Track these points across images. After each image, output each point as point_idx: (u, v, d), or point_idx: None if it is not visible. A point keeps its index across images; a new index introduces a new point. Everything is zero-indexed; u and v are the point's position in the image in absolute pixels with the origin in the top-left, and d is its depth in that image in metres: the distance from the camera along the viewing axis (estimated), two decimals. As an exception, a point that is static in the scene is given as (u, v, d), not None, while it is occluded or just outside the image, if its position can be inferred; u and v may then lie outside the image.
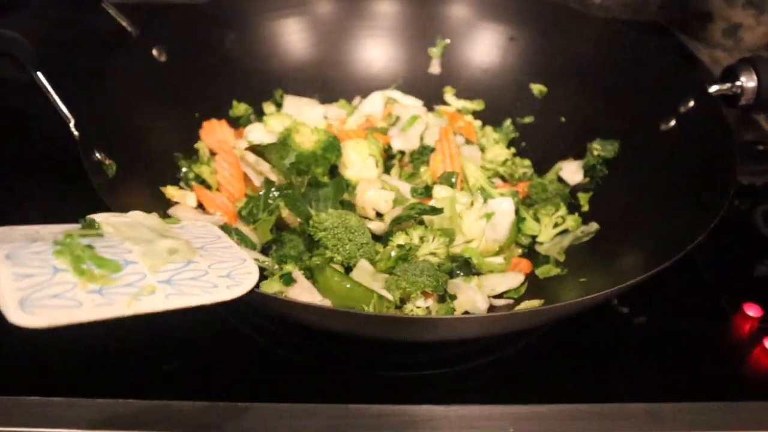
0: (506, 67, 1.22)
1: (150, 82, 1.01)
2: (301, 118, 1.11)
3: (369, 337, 0.80)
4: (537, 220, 1.00)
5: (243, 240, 0.88)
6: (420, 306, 0.83)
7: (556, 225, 0.99)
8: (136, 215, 0.66)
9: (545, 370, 0.84)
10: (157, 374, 0.80)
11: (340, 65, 1.25)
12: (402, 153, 1.08)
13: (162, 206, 0.94)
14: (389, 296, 0.81)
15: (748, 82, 0.97)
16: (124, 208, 0.68)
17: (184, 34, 1.09)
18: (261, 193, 0.93)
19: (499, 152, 1.11)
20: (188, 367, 0.81)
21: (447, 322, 0.72)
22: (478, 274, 0.91)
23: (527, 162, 1.13)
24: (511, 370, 0.84)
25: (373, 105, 1.18)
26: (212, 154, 1.05)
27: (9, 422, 0.72)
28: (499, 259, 0.93)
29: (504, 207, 0.95)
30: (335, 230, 0.84)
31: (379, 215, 0.96)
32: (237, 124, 1.13)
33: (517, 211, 0.96)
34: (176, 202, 0.96)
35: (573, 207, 1.03)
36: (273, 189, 0.93)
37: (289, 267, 0.83)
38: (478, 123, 1.20)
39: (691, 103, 0.97)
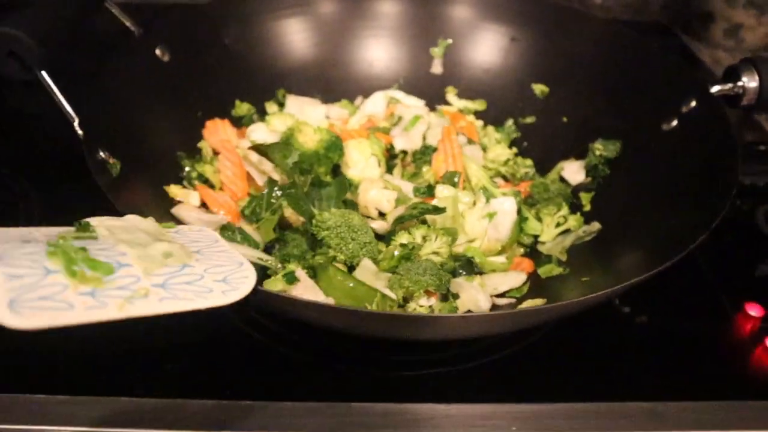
0: (508, 68, 1.22)
1: (153, 82, 1.01)
2: (304, 117, 1.11)
3: (371, 336, 0.80)
4: (539, 219, 1.00)
5: (246, 239, 0.88)
6: (423, 305, 0.83)
7: (558, 225, 1.00)
8: (131, 219, 0.66)
9: (547, 369, 0.84)
10: (160, 372, 0.80)
11: (342, 65, 1.25)
12: (404, 153, 1.08)
13: (165, 205, 0.94)
14: (392, 295, 0.81)
15: (749, 82, 0.97)
16: (127, 207, 0.69)
17: (187, 34, 1.09)
18: (264, 192, 0.93)
19: (501, 152, 1.11)
20: (191, 366, 0.81)
21: (449, 320, 0.72)
22: (481, 273, 0.92)
23: (529, 162, 1.14)
24: (513, 369, 0.84)
25: (375, 105, 1.19)
26: (215, 153, 1.05)
27: (9, 420, 0.72)
28: (501, 259, 0.94)
29: (506, 206, 0.95)
30: (338, 229, 0.84)
31: (382, 215, 0.96)
32: (240, 123, 1.13)
33: (519, 211, 0.97)
34: (179, 201, 0.96)
35: (575, 207, 1.04)
36: (276, 188, 0.93)
37: (292, 266, 0.83)
38: (479, 123, 1.20)
39: (693, 103, 0.97)
